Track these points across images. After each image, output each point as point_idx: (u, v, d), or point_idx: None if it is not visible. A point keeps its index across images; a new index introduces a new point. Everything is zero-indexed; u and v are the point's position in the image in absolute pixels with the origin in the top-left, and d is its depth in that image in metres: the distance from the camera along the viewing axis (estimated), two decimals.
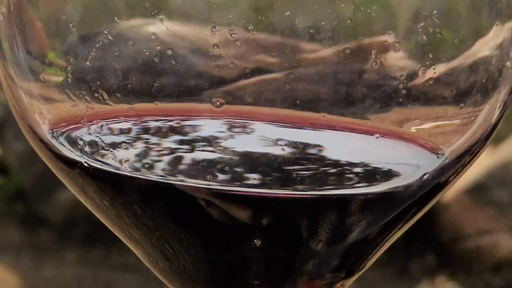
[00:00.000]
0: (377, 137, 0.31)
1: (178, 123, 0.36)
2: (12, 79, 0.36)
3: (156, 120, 0.36)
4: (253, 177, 0.32)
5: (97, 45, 0.35)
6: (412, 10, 0.29)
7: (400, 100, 0.29)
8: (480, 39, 0.29)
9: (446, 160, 0.31)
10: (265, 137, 0.34)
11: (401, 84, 0.29)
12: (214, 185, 0.31)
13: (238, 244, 0.32)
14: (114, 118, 0.36)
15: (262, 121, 0.32)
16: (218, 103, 0.32)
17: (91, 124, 0.35)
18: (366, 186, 0.31)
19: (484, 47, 0.29)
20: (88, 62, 0.35)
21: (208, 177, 0.33)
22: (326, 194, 0.31)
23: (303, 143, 0.33)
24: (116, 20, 0.36)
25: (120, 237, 0.38)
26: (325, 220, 0.30)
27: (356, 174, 0.32)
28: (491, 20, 0.29)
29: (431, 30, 0.28)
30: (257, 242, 0.30)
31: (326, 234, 0.30)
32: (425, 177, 0.30)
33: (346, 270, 0.33)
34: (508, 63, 0.30)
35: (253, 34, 0.29)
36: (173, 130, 0.37)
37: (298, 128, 0.32)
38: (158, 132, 0.37)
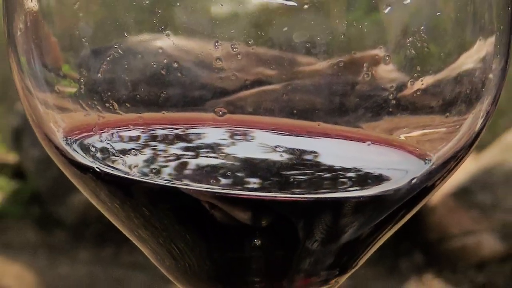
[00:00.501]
0: (368, 144, 0.31)
1: (184, 131, 0.36)
2: (29, 90, 0.36)
3: (163, 128, 0.36)
4: (253, 181, 0.32)
5: (108, 59, 0.35)
6: (401, 26, 0.29)
7: (390, 109, 0.29)
8: (465, 53, 0.29)
9: (433, 165, 0.31)
10: (265, 144, 0.34)
11: (391, 95, 0.28)
12: (217, 189, 0.31)
13: (239, 243, 0.31)
14: (124, 126, 0.36)
15: (261, 129, 0.32)
16: (220, 112, 0.32)
17: (102, 132, 0.35)
18: (359, 189, 0.31)
19: (468, 61, 0.29)
20: (99, 74, 0.35)
21: (211, 181, 0.33)
22: (321, 197, 0.31)
23: (299, 149, 0.33)
24: (126, 35, 0.36)
25: (129, 237, 0.38)
26: (320, 221, 0.30)
27: (349, 178, 0.32)
28: (474, 35, 0.29)
29: (419, 45, 0.28)
30: (257, 242, 0.30)
31: (321, 235, 0.30)
32: (413, 181, 0.30)
33: (340, 268, 0.33)
34: (490, 75, 0.30)
35: (253, 48, 0.29)
36: (178, 138, 0.37)
37: (295, 136, 0.32)
38: (165, 139, 0.37)
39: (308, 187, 0.31)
